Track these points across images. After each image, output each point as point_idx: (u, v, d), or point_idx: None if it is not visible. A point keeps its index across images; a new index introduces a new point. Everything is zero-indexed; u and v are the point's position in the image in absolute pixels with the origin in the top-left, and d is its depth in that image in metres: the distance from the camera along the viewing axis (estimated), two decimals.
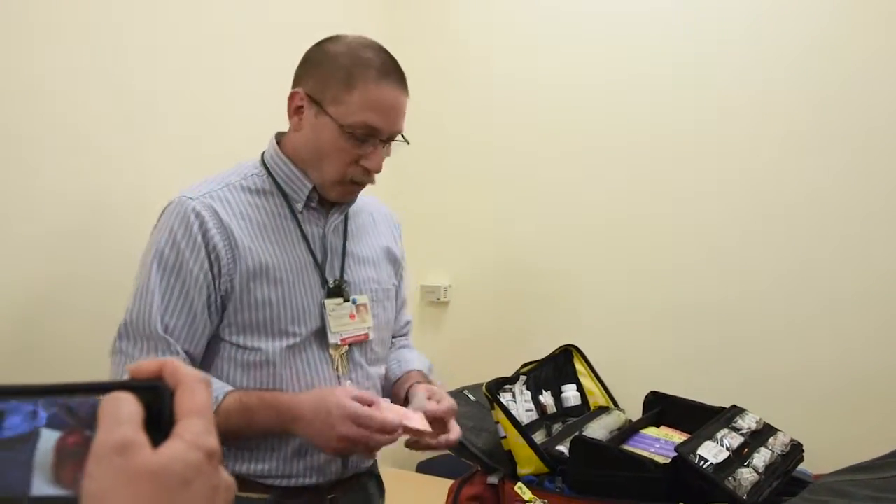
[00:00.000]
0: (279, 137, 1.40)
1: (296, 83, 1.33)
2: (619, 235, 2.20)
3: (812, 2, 1.94)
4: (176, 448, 0.41)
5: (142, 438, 0.41)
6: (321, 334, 1.35)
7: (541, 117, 2.32)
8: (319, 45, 1.34)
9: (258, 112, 2.01)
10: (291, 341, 1.31)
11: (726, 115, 2.05)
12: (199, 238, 1.25)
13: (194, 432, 0.42)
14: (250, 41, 2.05)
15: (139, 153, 1.78)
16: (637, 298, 2.16)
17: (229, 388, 1.26)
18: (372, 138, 1.29)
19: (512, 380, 1.83)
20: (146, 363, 0.45)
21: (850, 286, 1.90)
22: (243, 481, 1.27)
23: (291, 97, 1.31)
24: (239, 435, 1.25)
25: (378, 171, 1.32)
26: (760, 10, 2.00)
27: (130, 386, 0.44)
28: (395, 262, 1.58)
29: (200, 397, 0.44)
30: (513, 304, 2.37)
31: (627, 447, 1.65)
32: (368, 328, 1.41)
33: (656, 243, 2.14)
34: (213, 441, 0.43)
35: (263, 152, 1.41)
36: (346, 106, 1.26)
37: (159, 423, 0.43)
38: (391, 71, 1.29)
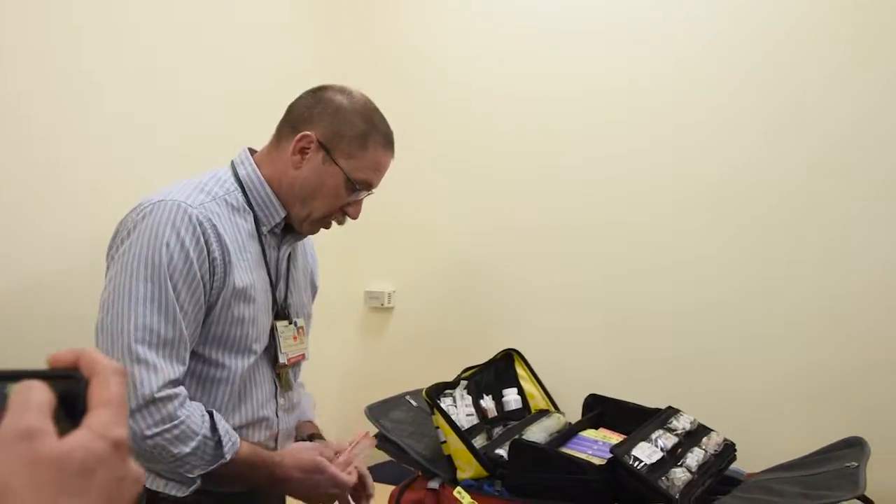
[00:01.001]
0: (255, 158, 1.41)
1: (304, 125, 1.37)
2: (560, 241, 2.22)
3: (789, 3, 1.97)
4: (81, 437, 0.41)
5: (47, 426, 0.41)
6: (271, 354, 1.40)
7: (484, 123, 2.33)
8: (329, 92, 1.40)
9: (199, 111, 2.01)
10: (252, 359, 1.35)
11: (681, 121, 2.07)
12: (204, 247, 1.25)
13: (102, 422, 0.42)
14: (189, 38, 2.02)
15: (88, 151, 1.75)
16: (577, 303, 2.19)
17: (237, 437, 1.29)
18: (363, 192, 1.41)
19: (453, 385, 1.84)
20: (64, 352, 0.45)
21: (781, 289, 1.95)
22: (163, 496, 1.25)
23: (301, 138, 1.35)
24: (233, 482, 1.29)
25: (356, 218, 1.44)
26: (736, 14, 2.02)
27: (46, 375, 0.44)
28: (313, 287, 1.64)
29: (114, 388, 0.44)
30: (456, 310, 2.37)
31: (566, 449, 1.67)
32: (305, 349, 1.50)
33: (596, 249, 2.17)
34: (120, 431, 0.43)
35: (234, 165, 1.40)
36: (357, 162, 1.37)
37: (74, 411, 0.43)
38: (391, 139, 1.43)
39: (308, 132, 1.35)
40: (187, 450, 1.20)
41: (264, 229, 1.38)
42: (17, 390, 0.42)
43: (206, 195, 1.31)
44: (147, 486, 1.21)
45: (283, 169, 1.38)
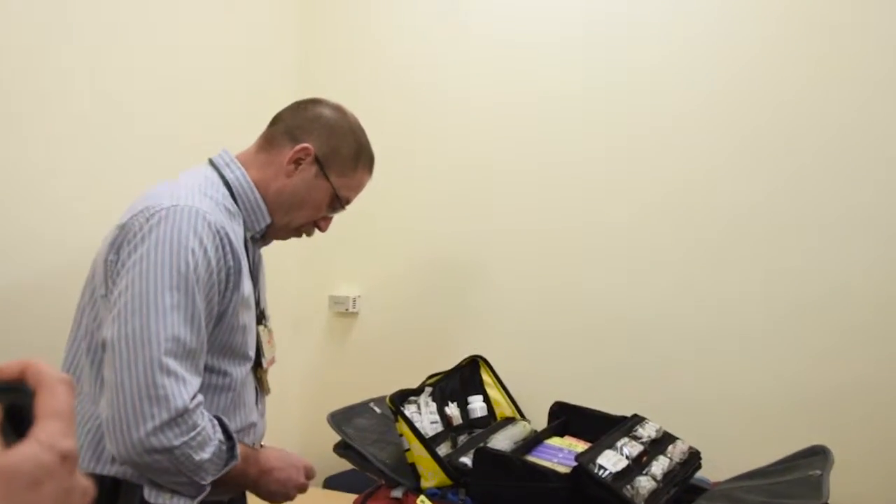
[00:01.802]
0: (241, 161, 1.39)
1: (303, 136, 1.39)
2: (526, 247, 2.20)
3: (765, 7, 1.98)
4: (27, 449, 0.40)
5: None
6: (255, 358, 1.39)
7: (450, 127, 2.31)
8: (326, 108, 1.43)
9: (176, 110, 1.98)
10: (248, 366, 1.35)
11: (656, 125, 2.07)
12: (222, 255, 1.23)
13: (50, 433, 0.41)
14: (169, 38, 1.99)
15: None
16: (544, 310, 2.17)
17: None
18: (341, 209, 1.46)
19: (417, 391, 1.82)
20: (9, 364, 0.44)
21: (753, 306, 1.95)
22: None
23: (301, 149, 1.37)
24: (227, 484, 1.27)
25: (324, 231, 1.49)
26: (720, 15, 2.02)
27: None
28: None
29: (60, 399, 0.43)
30: (422, 315, 2.35)
31: (531, 457, 1.65)
32: (275, 352, 1.49)
33: (563, 256, 2.16)
34: (69, 443, 0.42)
35: (217, 167, 1.37)
36: (346, 180, 1.42)
37: (21, 425, 0.42)
38: (374, 162, 1.48)
39: (307, 144, 1.38)
40: (206, 456, 1.17)
41: (247, 235, 1.37)
42: None
43: (211, 200, 1.28)
44: (150, 501, 1.18)
45: (274, 175, 1.38)
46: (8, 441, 0.40)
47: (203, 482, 1.19)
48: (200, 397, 1.19)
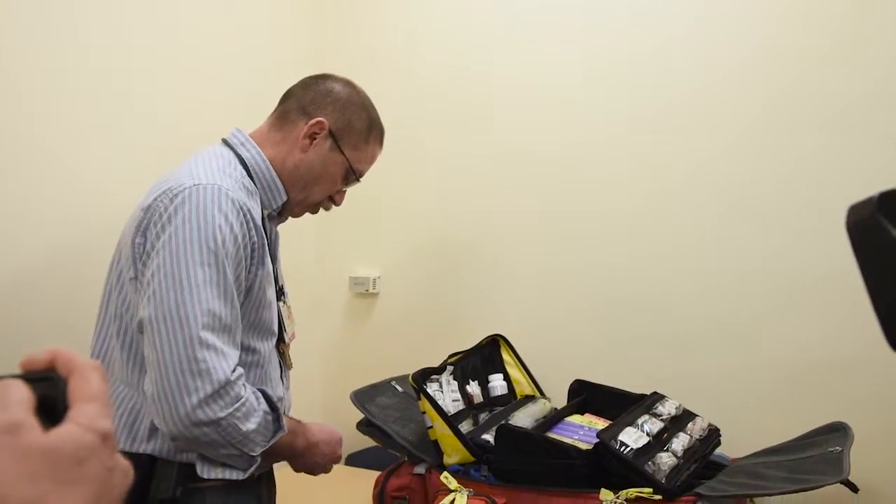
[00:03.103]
0: (254, 139, 1.41)
1: (317, 111, 1.41)
2: (546, 226, 2.21)
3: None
4: (68, 429, 0.41)
5: (31, 420, 0.40)
6: (279, 334, 1.42)
7: (473, 109, 2.32)
8: (337, 83, 1.45)
9: (182, 93, 1.99)
10: (273, 341, 1.38)
11: (665, 112, 2.06)
12: (247, 232, 1.25)
13: (87, 415, 0.42)
14: (174, 20, 2.00)
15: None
16: (563, 288, 2.19)
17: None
18: (355, 182, 1.49)
19: (439, 370, 1.84)
20: (38, 354, 0.45)
21: (768, 282, 1.95)
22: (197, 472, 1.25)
23: (315, 123, 1.39)
24: (276, 456, 1.32)
25: (340, 205, 1.52)
26: (707, 5, 2.03)
27: (23, 378, 0.43)
28: None
29: (94, 383, 0.44)
30: (442, 295, 2.37)
31: (552, 435, 1.67)
32: (294, 327, 1.52)
33: (585, 235, 2.16)
34: (107, 423, 0.42)
35: (232, 146, 1.39)
36: (360, 153, 1.45)
37: (54, 412, 0.42)
38: (384, 135, 1.51)
39: (322, 119, 1.39)
40: (252, 426, 1.20)
41: (264, 213, 1.39)
42: None
43: (231, 179, 1.29)
44: (203, 476, 1.21)
45: (288, 150, 1.40)
46: (46, 427, 0.41)
47: (253, 453, 1.22)
48: (241, 370, 1.21)
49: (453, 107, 2.34)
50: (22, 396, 0.41)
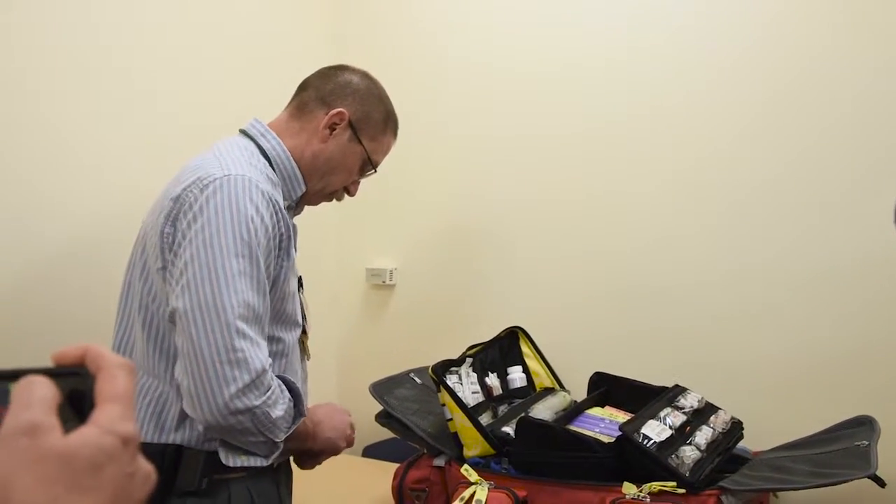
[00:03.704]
0: (273, 129, 1.41)
1: (335, 101, 1.41)
2: (564, 218, 2.19)
3: None
4: (87, 433, 0.40)
5: (52, 421, 0.39)
6: (302, 325, 1.43)
7: (490, 100, 2.30)
8: (355, 75, 1.46)
9: (200, 84, 1.99)
10: (298, 332, 1.38)
11: (682, 100, 2.04)
12: (276, 223, 1.26)
13: (110, 418, 0.41)
14: (193, 22, 1.99)
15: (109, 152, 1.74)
16: (583, 280, 2.17)
17: None
18: (372, 172, 1.50)
19: (458, 362, 1.83)
20: (70, 349, 0.44)
21: (791, 271, 1.93)
22: (222, 463, 1.24)
23: (336, 114, 1.40)
24: (292, 441, 1.30)
25: (354, 195, 1.53)
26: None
27: (51, 372, 0.42)
28: None
29: (120, 383, 0.43)
30: (459, 287, 2.35)
31: (573, 427, 1.66)
32: (311, 319, 1.51)
33: (604, 226, 2.14)
34: (129, 427, 0.41)
35: (252, 137, 1.39)
36: (377, 144, 1.47)
37: (81, 410, 0.42)
38: (398, 126, 1.52)
39: (342, 109, 1.40)
40: (280, 413, 1.21)
41: (285, 203, 1.38)
42: (19, 386, 0.41)
43: (256, 170, 1.29)
44: (228, 464, 1.22)
45: (307, 141, 1.40)
46: (70, 426, 0.40)
47: (277, 439, 1.23)
48: (269, 359, 1.22)
49: (472, 96, 2.33)
50: (45, 395, 0.40)
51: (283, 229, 1.27)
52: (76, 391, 0.42)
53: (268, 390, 1.18)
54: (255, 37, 2.19)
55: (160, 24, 1.89)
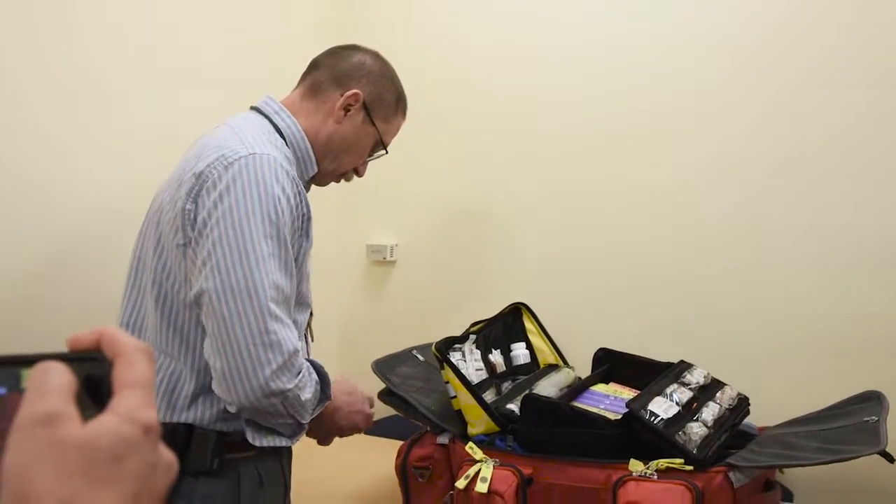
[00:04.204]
0: (288, 108, 1.39)
1: (350, 82, 1.40)
2: (569, 194, 2.16)
3: None
4: (107, 421, 0.38)
5: (70, 410, 0.37)
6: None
7: (492, 79, 2.27)
8: (368, 56, 1.45)
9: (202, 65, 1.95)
10: (308, 313, 1.38)
11: (690, 86, 2.01)
12: (300, 203, 1.25)
13: (130, 405, 0.39)
14: (192, 4, 1.96)
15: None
16: (586, 256, 2.15)
17: None
18: (382, 153, 1.51)
19: (461, 339, 1.81)
20: (84, 333, 0.42)
21: (796, 244, 1.91)
22: (231, 442, 1.25)
23: (351, 95, 1.39)
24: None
25: (362, 176, 1.53)
26: None
27: (66, 357, 0.40)
28: None
29: (139, 368, 0.41)
30: (461, 263, 2.33)
31: (578, 404, 1.65)
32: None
33: (607, 202, 2.12)
34: (150, 415, 0.39)
35: (266, 114, 1.37)
36: (389, 126, 1.48)
37: (99, 393, 0.40)
38: (407, 107, 1.53)
39: (357, 90, 1.40)
40: (309, 396, 1.22)
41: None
42: (34, 373, 0.38)
43: (276, 149, 1.27)
44: (254, 443, 1.22)
45: (322, 121, 1.40)
46: (88, 413, 0.38)
47: (303, 420, 1.24)
48: (300, 340, 1.22)
49: (475, 74, 2.30)
50: (62, 382, 0.38)
51: (304, 210, 1.26)
52: (93, 377, 0.40)
53: (298, 373, 1.18)
54: (258, 17, 2.15)
55: (162, 9, 1.85)
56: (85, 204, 1.69)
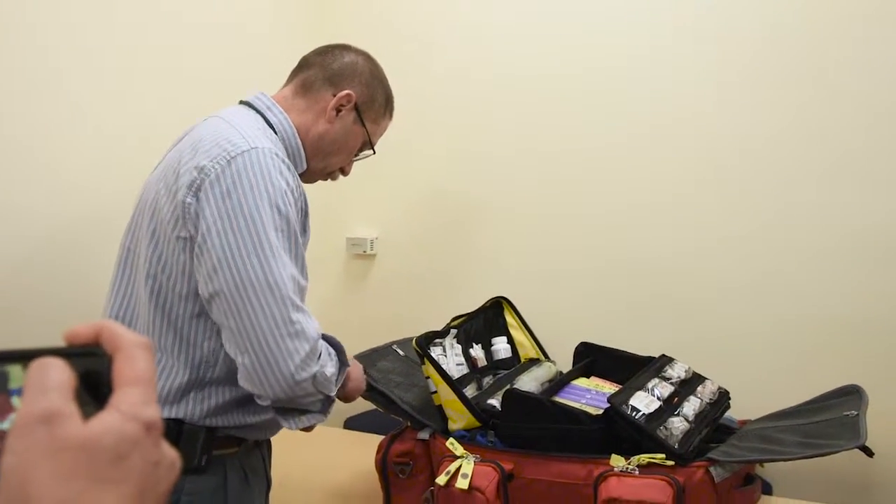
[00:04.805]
0: (280, 104, 1.39)
1: (342, 82, 1.41)
2: (550, 187, 2.15)
3: None
4: (109, 419, 0.37)
5: (70, 408, 0.36)
6: None
7: (471, 72, 2.25)
8: (360, 56, 1.46)
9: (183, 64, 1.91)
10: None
11: (666, 72, 2.01)
12: (300, 197, 1.26)
13: (131, 402, 0.38)
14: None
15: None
16: (567, 250, 2.14)
17: None
18: (370, 153, 1.53)
19: (442, 333, 1.79)
20: (82, 327, 0.41)
21: (778, 238, 1.91)
22: (219, 438, 1.25)
23: (344, 96, 1.40)
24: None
25: (348, 175, 1.54)
26: None
27: (64, 353, 0.39)
28: None
29: (140, 364, 0.40)
30: (441, 257, 2.31)
31: (559, 399, 1.64)
32: None
33: (588, 197, 2.11)
34: (152, 412, 0.39)
35: (258, 110, 1.36)
36: (377, 127, 1.49)
37: (98, 390, 0.39)
38: (394, 108, 1.54)
39: (350, 91, 1.41)
40: (333, 370, 1.24)
41: None
42: (32, 370, 0.37)
43: (274, 145, 1.26)
44: (291, 429, 1.25)
45: (313, 120, 1.40)
46: (87, 410, 0.37)
47: (332, 394, 1.26)
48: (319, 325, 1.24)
49: (454, 65, 2.27)
50: (61, 379, 0.37)
51: (303, 205, 1.26)
52: (92, 373, 0.39)
53: (319, 354, 1.20)
54: (236, 16, 2.11)
55: (133, 7, 1.81)
56: (64, 201, 1.66)
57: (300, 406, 1.23)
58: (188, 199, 1.17)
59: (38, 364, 0.37)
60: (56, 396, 0.36)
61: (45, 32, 1.60)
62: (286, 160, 1.23)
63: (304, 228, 1.28)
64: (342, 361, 1.29)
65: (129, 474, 0.37)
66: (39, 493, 0.34)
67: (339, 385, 1.28)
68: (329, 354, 1.24)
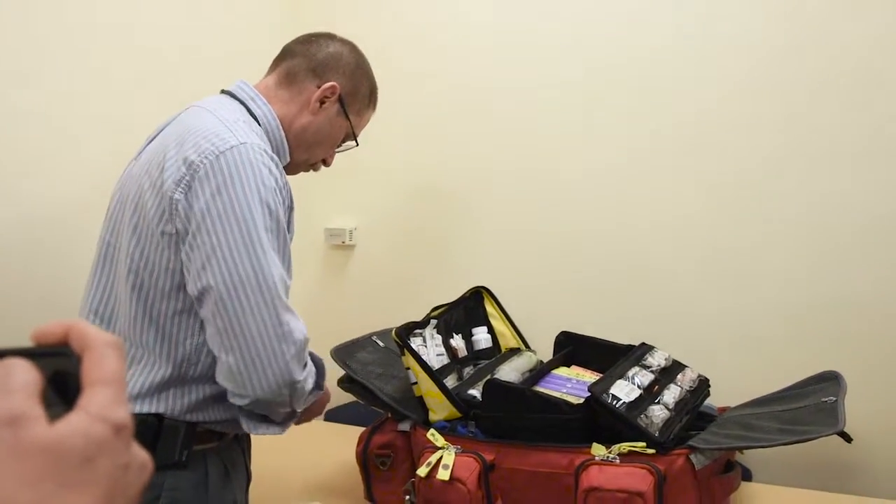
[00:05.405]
0: (263, 95, 1.37)
1: (326, 74, 1.39)
2: (527, 172, 2.15)
3: None
4: (76, 421, 0.36)
5: (36, 410, 0.35)
6: None
7: (450, 61, 2.23)
8: (345, 46, 1.44)
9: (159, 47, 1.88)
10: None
11: (646, 65, 2.01)
12: (287, 194, 1.24)
13: (100, 403, 0.37)
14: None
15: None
16: (547, 239, 2.13)
17: None
18: (353, 144, 1.51)
19: (422, 324, 1.78)
20: (50, 326, 0.40)
21: (756, 225, 1.92)
22: (199, 433, 1.23)
23: (329, 87, 1.38)
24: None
25: (329, 166, 1.53)
26: None
27: (31, 353, 0.37)
28: None
29: (110, 363, 0.39)
30: (421, 247, 2.30)
31: (539, 388, 1.63)
32: None
33: (568, 186, 2.10)
34: (122, 413, 0.37)
35: (242, 100, 1.33)
36: (360, 118, 1.48)
37: (66, 391, 0.38)
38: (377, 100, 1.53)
39: (335, 83, 1.39)
40: (310, 386, 1.22)
41: None
42: None
43: (259, 139, 1.24)
44: (250, 433, 1.23)
45: (297, 111, 1.39)
46: (55, 412, 0.36)
47: (298, 409, 1.23)
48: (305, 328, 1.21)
49: (433, 55, 2.26)
50: (27, 380, 0.36)
51: (288, 202, 1.24)
52: (60, 373, 0.38)
53: (305, 363, 1.18)
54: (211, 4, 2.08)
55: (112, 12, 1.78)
56: (39, 194, 1.63)
57: (268, 413, 1.20)
58: (176, 195, 1.15)
59: (2, 365, 0.36)
60: (20, 398, 0.35)
61: (14, 33, 1.57)
62: (273, 156, 1.21)
63: (290, 223, 1.26)
64: (318, 385, 1.27)
65: (98, 477, 0.36)
66: (4, 498, 0.33)
67: (307, 404, 1.26)
68: (312, 370, 1.23)
